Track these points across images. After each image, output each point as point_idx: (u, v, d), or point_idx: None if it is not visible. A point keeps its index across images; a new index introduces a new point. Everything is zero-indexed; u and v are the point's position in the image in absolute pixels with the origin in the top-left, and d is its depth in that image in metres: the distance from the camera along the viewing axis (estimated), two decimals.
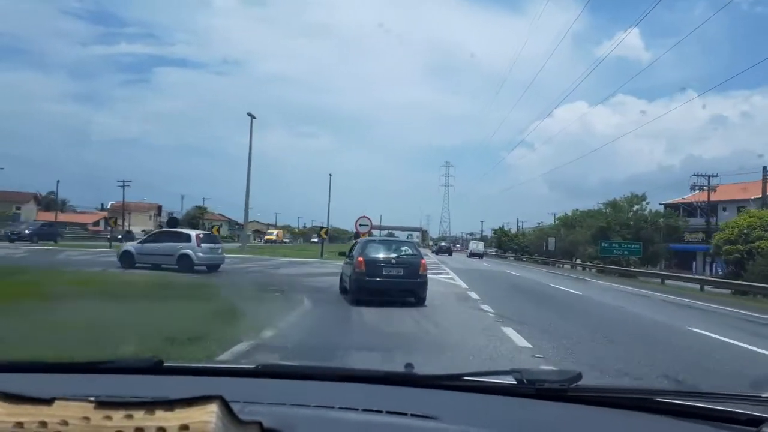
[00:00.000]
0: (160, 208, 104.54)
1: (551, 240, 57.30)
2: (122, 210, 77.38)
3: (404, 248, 13.58)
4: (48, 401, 0.83)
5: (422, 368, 1.47)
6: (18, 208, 78.65)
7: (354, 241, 18.85)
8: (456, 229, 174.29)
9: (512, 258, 71.62)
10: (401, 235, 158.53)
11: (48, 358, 1.72)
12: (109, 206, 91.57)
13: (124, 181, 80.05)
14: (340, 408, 1.15)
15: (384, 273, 12.24)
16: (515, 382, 1.36)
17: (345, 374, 1.49)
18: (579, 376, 1.34)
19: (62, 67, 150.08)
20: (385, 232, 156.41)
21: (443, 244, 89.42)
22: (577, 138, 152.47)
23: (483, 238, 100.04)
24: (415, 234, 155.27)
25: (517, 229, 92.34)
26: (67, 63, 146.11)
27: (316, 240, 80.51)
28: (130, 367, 1.50)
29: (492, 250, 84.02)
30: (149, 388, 1.26)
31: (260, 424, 0.89)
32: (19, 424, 0.81)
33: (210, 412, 0.81)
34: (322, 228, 32.42)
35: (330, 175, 63.23)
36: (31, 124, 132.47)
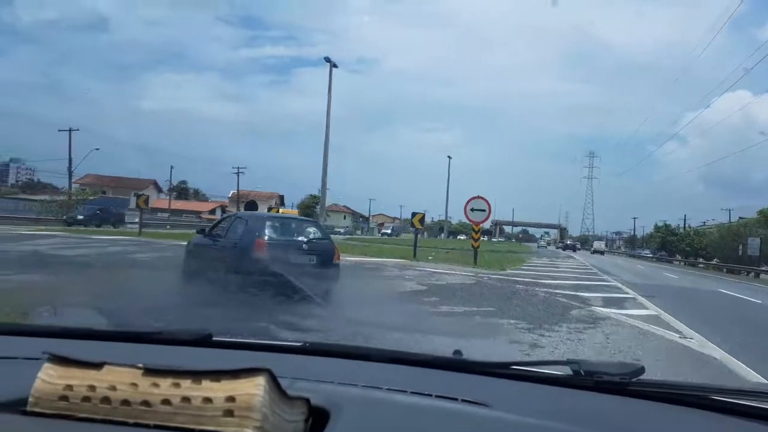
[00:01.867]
0: (282, 197, 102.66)
1: (754, 241, 41.85)
2: (237, 198, 73.70)
3: (311, 229, 10.75)
4: (97, 365, 0.84)
5: (471, 355, 1.40)
6: (136, 194, 77.53)
7: (225, 215, 14.21)
8: (600, 228, 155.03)
9: (681, 263, 57.11)
10: (536, 233, 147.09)
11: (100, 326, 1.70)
12: (230, 195, 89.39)
13: (238, 168, 76.16)
14: (388, 389, 1.13)
15: (292, 261, 9.34)
16: (571, 373, 1.28)
17: (393, 356, 1.40)
18: (642, 370, 1.25)
19: (215, 69, 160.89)
20: (519, 229, 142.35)
21: (568, 242, 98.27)
22: (738, 130, 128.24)
23: (632, 238, 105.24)
24: (553, 232, 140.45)
25: (685, 228, 76.06)
26: (219, 65, 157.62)
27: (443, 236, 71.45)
28: (179, 338, 1.46)
29: (609, 250, 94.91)
30: (197, 359, 1.25)
31: (307, 400, 0.89)
32: (69, 387, 0.82)
33: (257, 385, 0.80)
34: (415, 215, 21.77)
35: (449, 157, 53.40)
36: (188, 120, 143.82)
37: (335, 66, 26.17)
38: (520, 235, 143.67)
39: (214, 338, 1.43)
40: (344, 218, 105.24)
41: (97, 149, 51.81)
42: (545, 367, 1.36)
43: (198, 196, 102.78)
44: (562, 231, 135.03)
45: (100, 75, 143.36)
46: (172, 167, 77.74)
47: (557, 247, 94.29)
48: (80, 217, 37.98)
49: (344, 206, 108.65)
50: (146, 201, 27.28)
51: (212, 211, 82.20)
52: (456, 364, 1.36)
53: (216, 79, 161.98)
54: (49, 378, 0.84)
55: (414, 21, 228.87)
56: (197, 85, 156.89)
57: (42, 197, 46.96)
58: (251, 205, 33.59)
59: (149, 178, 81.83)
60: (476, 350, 1.67)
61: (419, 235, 25.37)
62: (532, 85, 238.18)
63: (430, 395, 1.10)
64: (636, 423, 1.14)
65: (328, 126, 26.00)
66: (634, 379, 1.22)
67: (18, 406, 0.87)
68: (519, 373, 1.32)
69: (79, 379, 0.83)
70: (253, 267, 8.92)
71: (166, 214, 70.84)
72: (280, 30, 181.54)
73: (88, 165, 69.96)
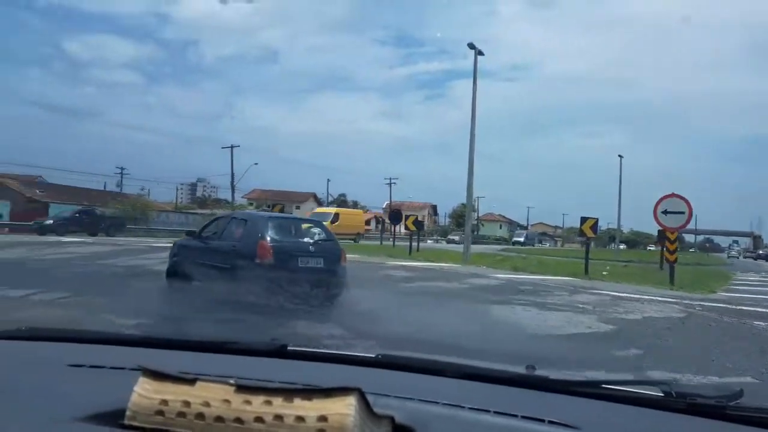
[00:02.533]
0: (435, 207, 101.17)
1: None
2: (389, 208, 72.86)
3: (317, 230, 9.85)
4: (191, 381, 0.85)
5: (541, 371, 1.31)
6: (297, 207, 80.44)
7: (218, 215, 12.63)
8: None
9: None
10: (721, 242, 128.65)
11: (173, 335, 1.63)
12: (384, 206, 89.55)
13: (390, 179, 75.55)
14: (471, 408, 1.08)
15: (300, 265, 8.58)
16: (662, 394, 1.20)
17: (469, 372, 1.34)
18: (740, 393, 1.17)
19: (373, 89, 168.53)
20: (701, 237, 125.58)
21: (761, 251, 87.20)
22: None
23: None
24: (744, 240, 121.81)
25: None
26: (377, 85, 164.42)
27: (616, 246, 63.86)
28: (255, 349, 1.46)
29: None
30: (274, 372, 1.23)
31: (392, 418, 0.88)
32: (164, 402, 0.84)
33: (348, 405, 0.81)
34: (586, 220, 17.54)
35: (620, 156, 47.01)
36: (349, 137, 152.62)
37: (481, 53, 22.96)
38: (707, 245, 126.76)
39: (288, 348, 1.42)
40: (500, 227, 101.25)
41: (256, 164, 53.78)
42: (634, 387, 1.25)
43: (356, 207, 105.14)
44: (756, 239, 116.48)
45: (272, 101, 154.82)
46: (328, 180, 79.78)
47: (745, 257, 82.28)
48: (48, 222, 30.96)
49: (500, 215, 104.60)
50: (282, 211, 26.12)
51: (367, 222, 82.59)
52: (537, 382, 1.28)
53: (375, 97, 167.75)
54: (145, 392, 0.86)
55: (571, 25, 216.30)
56: (358, 104, 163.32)
57: (204, 211, 49.24)
58: (396, 215, 31.25)
59: (309, 191, 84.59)
60: (548, 366, 1.41)
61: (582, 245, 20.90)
62: (712, 82, 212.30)
63: (516, 416, 1.06)
64: None
65: (474, 118, 22.73)
66: (732, 403, 1.14)
67: (115, 419, 0.88)
68: (606, 393, 1.23)
69: (174, 394, 0.84)
70: (258, 272, 8.09)
71: None
72: (432, 45, 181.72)
73: (259, 180, 74.48)
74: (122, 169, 62.26)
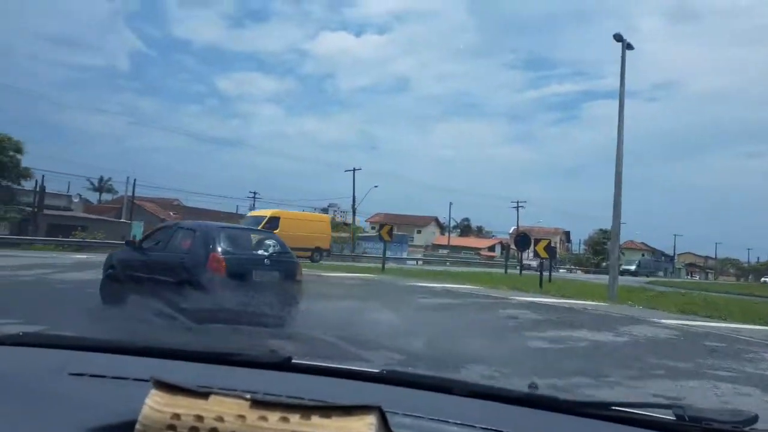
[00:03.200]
0: (567, 233, 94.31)
1: None
2: (516, 234, 68.28)
3: (271, 243, 9.07)
4: (204, 395, 0.83)
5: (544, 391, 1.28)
6: (419, 231, 78.30)
7: (162, 225, 11.35)
8: None
9: None
10: None
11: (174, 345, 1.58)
12: (510, 231, 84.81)
13: (518, 202, 70.96)
14: (483, 428, 1.06)
15: (255, 278, 8.17)
16: (675, 418, 1.16)
17: (476, 390, 1.30)
18: (755, 419, 1.14)
19: (502, 114, 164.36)
20: None
21: None
22: None
23: None
24: None
25: None
26: (506, 109, 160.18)
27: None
28: (258, 361, 1.39)
29: None
30: (278, 384, 1.21)
31: None
32: (176, 416, 0.81)
33: (369, 424, 0.78)
34: None
35: None
36: (476, 162, 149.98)
37: (630, 47, 18.99)
38: None
39: (293, 361, 1.38)
40: (642, 256, 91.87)
41: (376, 186, 51.91)
42: (645, 410, 1.23)
43: (481, 232, 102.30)
44: None
45: (402, 128, 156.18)
46: (450, 204, 76.40)
47: None
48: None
49: (641, 243, 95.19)
50: (389, 232, 23.48)
51: (491, 248, 78.43)
52: (546, 402, 1.24)
53: (502, 121, 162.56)
54: (157, 405, 0.83)
55: (717, 38, 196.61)
56: (485, 129, 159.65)
57: None
58: (523, 239, 27.60)
59: (432, 215, 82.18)
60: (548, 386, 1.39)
61: (741, 279, 16.04)
62: None
63: None
64: None
65: (620, 128, 18.69)
66: (747, 428, 1.12)
67: (126, 431, 0.86)
68: (616, 415, 1.20)
69: (186, 408, 0.82)
70: (208, 287, 7.57)
71: (446, 251, 69.50)
72: (566, 67, 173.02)
73: (385, 205, 74.01)
74: (255, 193, 64.04)
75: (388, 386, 1.31)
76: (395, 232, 70.57)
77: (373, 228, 74.91)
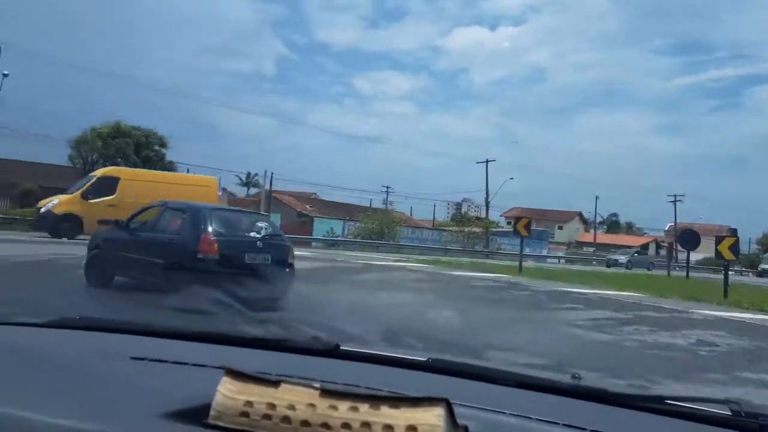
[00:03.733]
0: (734, 231, 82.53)
1: None
2: (674, 231, 60.69)
3: (263, 224, 8.87)
4: (274, 383, 0.85)
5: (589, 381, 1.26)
6: (560, 227, 72.70)
7: (150, 204, 10.11)
8: None
9: None
10: None
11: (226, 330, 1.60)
12: (666, 228, 76.01)
13: (675, 196, 62.82)
14: (539, 420, 1.05)
15: (247, 261, 8.02)
16: (731, 413, 1.13)
17: (524, 380, 1.28)
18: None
19: (649, 102, 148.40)
20: None
21: None
22: None
23: None
24: None
25: None
26: (654, 98, 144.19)
27: None
28: (308, 347, 1.40)
29: None
30: (328, 372, 1.19)
31: (466, 428, 0.86)
32: (249, 403, 0.83)
33: (438, 416, 0.80)
34: None
35: None
36: (623, 156, 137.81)
37: None
38: None
39: (341, 348, 1.38)
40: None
41: (512, 179, 48.36)
42: (700, 404, 1.18)
43: (631, 229, 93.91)
44: None
45: (539, 120, 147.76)
46: (597, 198, 69.81)
47: None
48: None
49: None
50: (527, 226, 20.19)
51: (644, 246, 70.71)
52: (595, 394, 1.22)
53: (650, 111, 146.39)
54: (229, 393, 0.85)
55: None
56: (630, 119, 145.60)
57: (459, 229, 45.62)
58: (691, 238, 23.06)
59: (575, 210, 76.03)
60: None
61: None
62: None
63: (585, 429, 1.03)
64: None
65: None
66: None
67: (198, 417, 0.87)
68: (670, 410, 1.17)
69: (258, 396, 0.84)
70: (200, 268, 7.51)
71: (591, 249, 63.75)
72: (725, 50, 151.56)
73: (523, 200, 70.06)
74: (387, 187, 63.27)
75: (434, 375, 1.29)
76: (534, 227, 66.23)
77: (508, 223, 70.78)
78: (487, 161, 47.29)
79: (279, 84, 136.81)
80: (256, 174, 63.65)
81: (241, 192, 64.76)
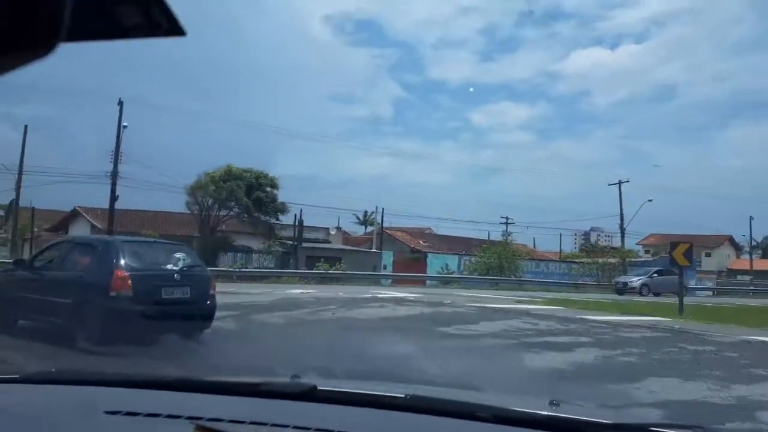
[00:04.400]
0: None
1: None
2: None
3: (180, 255, 8.25)
4: None
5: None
6: (707, 254, 63.39)
7: (54, 241, 10.70)
8: None
9: None
10: None
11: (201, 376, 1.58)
12: None
13: None
14: None
15: (164, 296, 7.54)
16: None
17: (501, 414, 1.26)
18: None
19: None
20: None
21: None
22: None
23: None
24: None
25: None
26: None
27: None
28: (285, 391, 1.36)
29: None
30: (306, 415, 1.19)
31: None
32: None
33: None
34: None
35: None
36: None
37: None
38: None
39: (319, 389, 1.33)
40: None
41: (650, 200, 42.08)
42: (669, 430, 1.21)
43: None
44: None
45: (669, 138, 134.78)
46: (751, 218, 60.16)
47: None
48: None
49: None
50: (687, 253, 15.39)
51: None
52: (567, 425, 1.21)
53: None
54: None
55: None
56: None
57: (588, 260, 40.21)
58: None
59: (724, 234, 66.29)
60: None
61: None
62: None
63: None
64: None
65: None
66: None
67: None
68: None
69: None
70: (112, 308, 7.07)
71: (747, 277, 54.62)
72: None
73: (662, 226, 62.39)
74: (507, 218, 58.92)
75: (413, 414, 1.26)
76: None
77: (647, 252, 63.09)
78: (620, 182, 41.76)
79: (396, 125, 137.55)
80: (373, 212, 62.49)
81: (359, 230, 63.82)
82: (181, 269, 7.90)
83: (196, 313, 7.71)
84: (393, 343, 7.98)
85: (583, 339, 10.00)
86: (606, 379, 6.97)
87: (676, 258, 15.29)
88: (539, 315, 13.65)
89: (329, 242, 44.64)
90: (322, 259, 31.58)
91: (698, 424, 1.18)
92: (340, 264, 31.13)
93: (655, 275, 30.68)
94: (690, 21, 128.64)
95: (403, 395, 1.32)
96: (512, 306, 16.34)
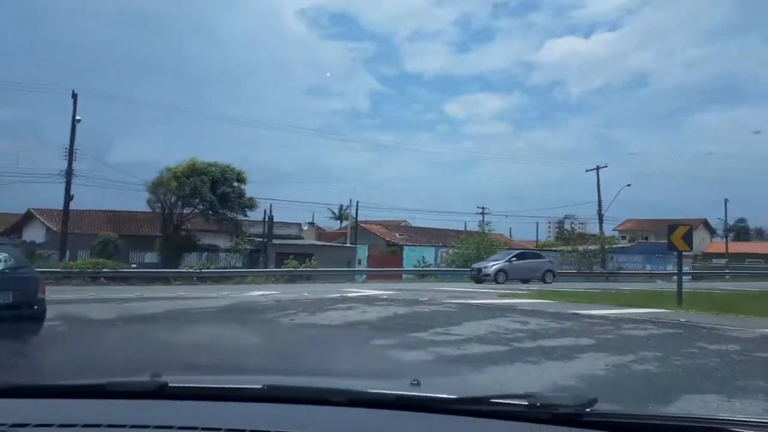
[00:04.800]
0: None
1: None
2: None
3: (1, 256, 7.36)
4: None
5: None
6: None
7: None
8: None
9: None
10: None
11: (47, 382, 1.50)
12: None
13: None
14: None
15: None
16: (527, 406, 1.22)
17: (354, 397, 1.29)
18: (594, 401, 1.23)
19: None
20: None
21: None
22: None
23: None
24: None
25: None
26: None
27: None
28: (133, 390, 1.31)
29: None
30: (154, 415, 1.16)
31: None
32: None
33: None
34: None
35: None
36: (751, 156, 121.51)
37: None
38: None
39: (169, 386, 1.28)
40: None
41: (629, 185, 40.88)
42: (502, 401, 1.24)
43: (761, 235, 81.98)
44: None
45: (643, 126, 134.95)
46: (726, 201, 59.90)
47: None
48: None
49: None
50: (686, 236, 13.79)
51: None
52: (415, 403, 1.26)
53: None
54: None
55: None
56: (752, 115, 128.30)
57: (566, 248, 39.01)
58: None
59: (699, 217, 66.05)
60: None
61: None
62: None
63: None
64: None
65: None
66: (588, 410, 1.19)
67: None
68: (474, 409, 1.24)
69: None
70: None
71: (723, 260, 54.28)
72: None
73: (637, 211, 61.90)
74: (483, 208, 57.54)
75: (271, 404, 1.25)
76: (653, 240, 57.63)
77: (623, 238, 62.52)
78: (597, 168, 40.57)
79: (373, 118, 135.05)
80: (348, 206, 60.59)
81: (335, 226, 61.84)
82: (2, 271, 7.21)
83: (19, 319, 7.09)
84: (356, 363, 6.23)
85: (584, 341, 8.37)
86: (630, 400, 5.33)
87: (675, 242, 13.78)
88: (527, 311, 12.03)
89: (301, 238, 42.67)
90: (291, 256, 29.61)
91: (530, 393, 1.21)
92: (310, 261, 29.19)
93: (515, 259, 27.56)
94: (662, 7, 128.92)
95: (260, 386, 1.31)
96: (496, 301, 14.72)
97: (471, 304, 13.48)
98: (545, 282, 26.80)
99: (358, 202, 43.37)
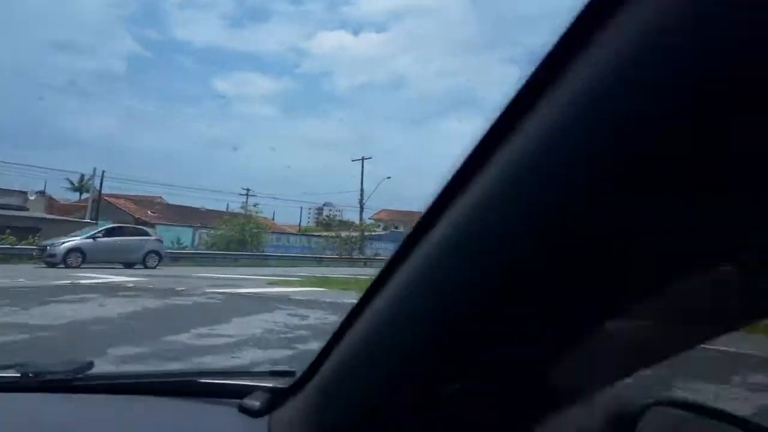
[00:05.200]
0: None
1: None
2: None
3: None
4: None
5: None
6: None
7: None
8: None
9: None
10: None
11: None
12: None
13: None
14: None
15: None
16: (19, 376, 1.15)
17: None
18: (90, 365, 1.18)
19: (494, 109, 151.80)
20: None
21: None
22: None
23: None
24: None
25: None
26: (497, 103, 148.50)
27: None
28: None
29: None
30: None
31: None
32: None
33: None
34: None
35: None
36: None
37: None
38: None
39: None
40: None
41: (389, 178, 43.18)
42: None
43: None
44: None
45: (399, 125, 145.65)
46: None
47: None
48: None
49: None
50: None
51: None
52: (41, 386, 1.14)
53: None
54: None
55: None
56: (480, 124, 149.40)
57: (328, 234, 39.50)
58: None
59: None
60: None
61: None
62: None
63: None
64: (80, 418, 1.09)
65: None
66: (79, 375, 1.15)
67: None
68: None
69: None
70: None
71: None
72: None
73: (396, 203, 65.83)
74: (248, 189, 54.92)
75: (41, 394, 1.16)
76: (402, 230, 62.34)
77: (379, 226, 66.32)
78: (363, 158, 41.79)
79: (131, 84, 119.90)
80: (91, 176, 52.21)
81: (73, 197, 52.91)
82: None
83: None
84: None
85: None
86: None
87: None
88: (303, 302, 10.80)
89: (26, 209, 35.21)
90: (8, 231, 23.79)
91: (23, 362, 1.13)
92: (35, 237, 23.82)
93: (101, 236, 21.04)
94: (423, 17, 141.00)
95: (20, 374, 1.20)
96: (266, 290, 13.21)
97: (238, 294, 11.76)
98: (147, 267, 21.25)
99: (104, 171, 37.59)
